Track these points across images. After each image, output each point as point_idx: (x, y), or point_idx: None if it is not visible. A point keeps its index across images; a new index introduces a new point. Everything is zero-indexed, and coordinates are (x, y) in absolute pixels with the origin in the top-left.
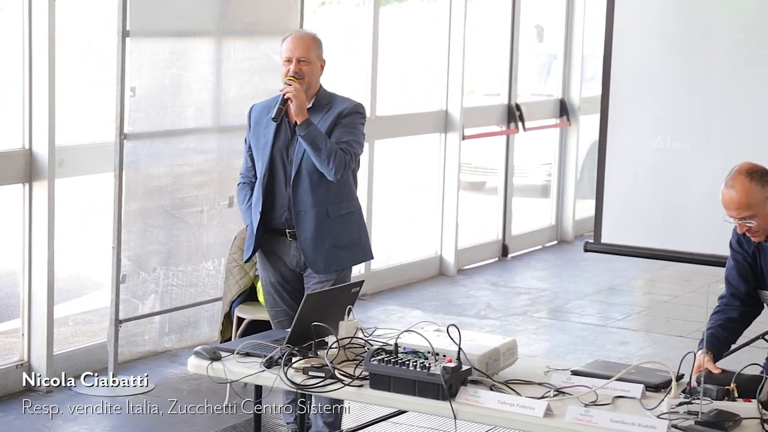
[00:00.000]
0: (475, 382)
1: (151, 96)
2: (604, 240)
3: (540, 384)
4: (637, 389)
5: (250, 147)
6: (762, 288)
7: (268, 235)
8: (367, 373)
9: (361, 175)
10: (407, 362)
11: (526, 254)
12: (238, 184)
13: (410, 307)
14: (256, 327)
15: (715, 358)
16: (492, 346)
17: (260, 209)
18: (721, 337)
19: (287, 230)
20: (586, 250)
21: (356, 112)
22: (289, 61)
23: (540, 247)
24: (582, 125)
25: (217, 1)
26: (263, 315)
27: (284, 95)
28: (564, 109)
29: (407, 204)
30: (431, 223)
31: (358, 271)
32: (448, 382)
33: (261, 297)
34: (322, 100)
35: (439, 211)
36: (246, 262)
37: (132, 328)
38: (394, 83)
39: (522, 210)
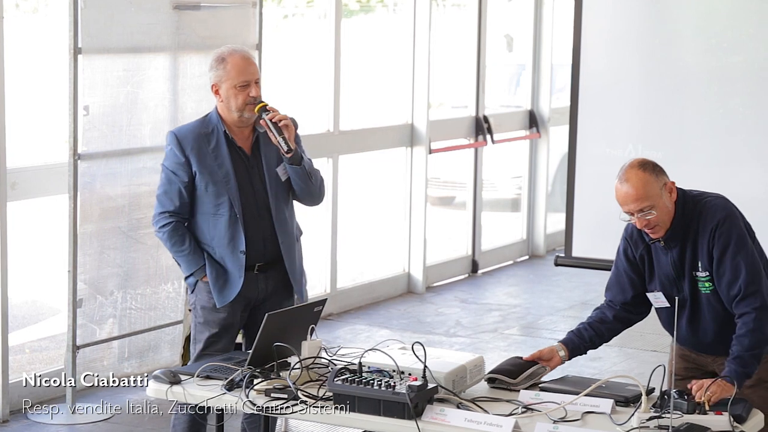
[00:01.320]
0: (441, 401)
1: (105, 114)
2: (575, 254)
3: (508, 401)
4: (606, 404)
5: (188, 181)
6: (649, 290)
7: (227, 273)
8: (330, 394)
9: (326, 191)
10: (372, 381)
11: (497, 270)
12: (166, 224)
13: (378, 326)
14: None
15: (571, 354)
16: (458, 364)
17: (243, 249)
18: (586, 336)
19: (257, 264)
20: (557, 264)
21: (296, 126)
22: (246, 85)
23: (511, 262)
24: (552, 136)
25: (172, 15)
26: None
27: (277, 123)
28: (534, 121)
29: (373, 221)
30: (398, 240)
31: (322, 290)
32: (413, 401)
33: None
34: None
35: (407, 227)
36: (219, 307)
37: (90, 354)
38: (357, 96)
39: (492, 225)
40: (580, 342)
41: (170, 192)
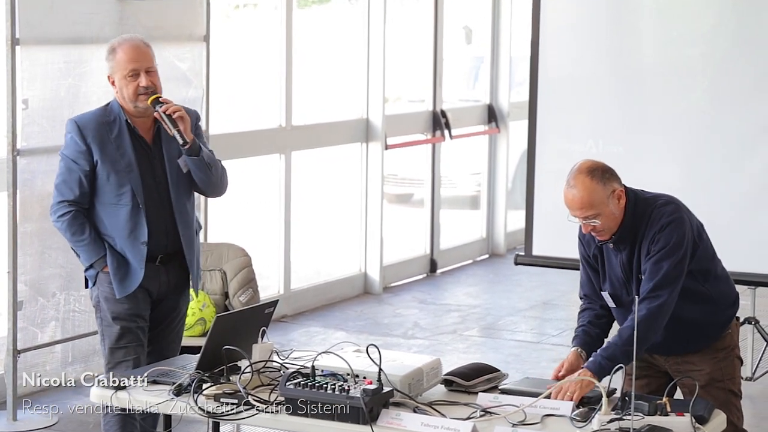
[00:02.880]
0: (397, 405)
1: (45, 108)
2: (535, 252)
3: (466, 404)
4: (567, 407)
5: (88, 170)
6: (602, 289)
7: (128, 263)
8: (283, 398)
9: (278, 189)
10: (325, 385)
11: (456, 269)
12: (65, 213)
13: (333, 328)
14: None
15: (588, 355)
16: (415, 366)
17: (144, 239)
18: (593, 333)
19: (159, 255)
20: (516, 263)
21: (199, 119)
22: (135, 74)
23: (470, 261)
24: (512, 132)
25: (115, 5)
26: None
27: (171, 115)
28: (493, 115)
29: (328, 219)
30: (354, 239)
31: (276, 290)
32: (368, 405)
33: None
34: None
35: (363, 225)
36: (119, 297)
37: (32, 358)
38: (311, 90)
39: (451, 223)
40: (592, 341)
41: (69, 181)
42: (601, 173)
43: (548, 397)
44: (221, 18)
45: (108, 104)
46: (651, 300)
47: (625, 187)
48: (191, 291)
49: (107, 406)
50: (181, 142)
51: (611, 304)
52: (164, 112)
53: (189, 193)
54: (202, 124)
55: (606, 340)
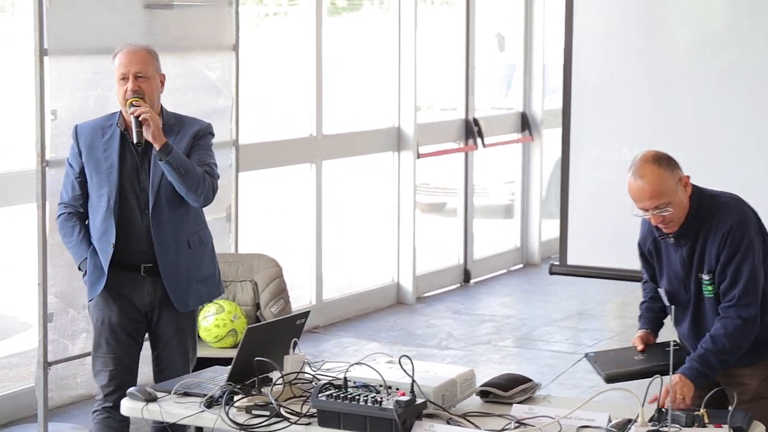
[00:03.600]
0: (430, 416)
1: (74, 119)
2: (570, 261)
3: (500, 416)
4: (602, 418)
5: (80, 173)
6: (658, 286)
7: (116, 271)
8: (315, 410)
9: (309, 198)
10: (357, 397)
11: (490, 279)
12: (60, 215)
13: (366, 338)
14: (199, 364)
15: (655, 333)
16: (448, 377)
17: (112, 242)
18: (655, 308)
19: (142, 265)
20: (551, 273)
21: (210, 132)
22: (124, 78)
23: (504, 271)
24: (546, 140)
25: (144, 15)
26: (206, 352)
27: (138, 117)
28: (526, 123)
29: (360, 229)
30: (387, 249)
31: (308, 301)
32: (401, 417)
33: (202, 333)
34: (169, 121)
35: (395, 235)
36: (91, 300)
37: (62, 371)
38: (342, 99)
39: (484, 232)
40: (656, 317)
41: (66, 183)
42: (667, 160)
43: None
44: (251, 27)
45: (116, 111)
46: (740, 309)
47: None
48: (221, 303)
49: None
50: (135, 140)
51: (667, 302)
52: (132, 114)
53: (174, 201)
54: (230, 134)
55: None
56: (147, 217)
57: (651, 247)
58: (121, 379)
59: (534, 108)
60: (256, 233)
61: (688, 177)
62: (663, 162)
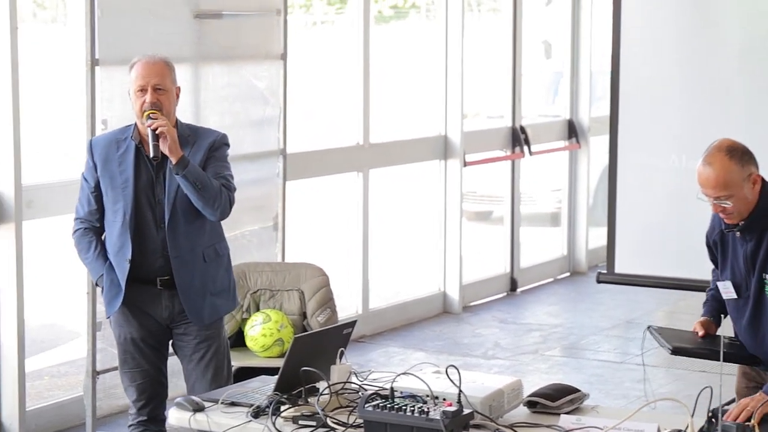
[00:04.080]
0: (477, 427)
1: None
2: (618, 270)
3: (548, 427)
4: (651, 428)
5: (95, 187)
6: (719, 279)
7: (133, 286)
8: (361, 421)
9: (356, 207)
10: (404, 407)
11: (537, 288)
12: (76, 231)
13: (412, 348)
14: (245, 374)
15: (718, 321)
16: (495, 388)
17: (129, 257)
18: (721, 297)
19: (158, 278)
20: (599, 281)
21: (225, 143)
22: (143, 90)
23: (551, 279)
24: (593, 147)
25: (193, 25)
26: (252, 361)
27: (155, 129)
28: (573, 131)
29: (407, 238)
30: (433, 258)
31: (354, 310)
32: (448, 428)
33: (249, 342)
34: (183, 133)
35: (442, 243)
36: (109, 317)
37: (111, 380)
38: (388, 107)
39: (531, 240)
40: (721, 306)
41: (81, 198)
42: (740, 154)
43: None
44: (297, 36)
45: (131, 124)
46: None
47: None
48: (268, 312)
49: (130, 426)
50: (151, 154)
51: (727, 295)
52: (149, 126)
53: (191, 214)
54: (278, 142)
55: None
56: (163, 231)
57: (717, 238)
58: (150, 391)
59: (581, 115)
60: (303, 242)
61: (759, 175)
62: (736, 154)
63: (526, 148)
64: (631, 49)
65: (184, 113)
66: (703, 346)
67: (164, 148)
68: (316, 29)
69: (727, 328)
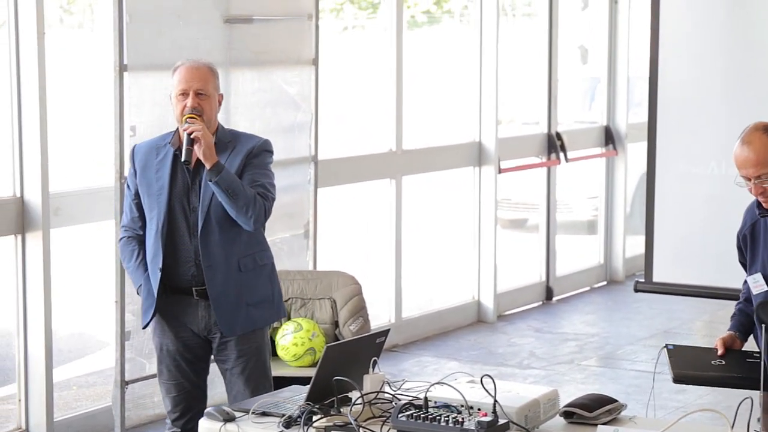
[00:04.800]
0: None
1: (153, 135)
2: (656, 279)
3: None
4: None
5: (136, 194)
6: (748, 274)
7: (169, 296)
8: (395, 431)
9: (389, 215)
10: (438, 417)
11: (573, 297)
12: (121, 239)
13: (446, 357)
14: (277, 383)
15: (746, 335)
16: (531, 398)
17: (160, 265)
18: (750, 311)
19: (194, 288)
20: (636, 290)
21: (266, 150)
22: (184, 94)
23: (588, 288)
24: (630, 154)
25: (223, 30)
26: (284, 371)
27: (190, 134)
28: (610, 137)
29: (440, 245)
30: (467, 266)
31: (387, 319)
32: None
33: (280, 351)
34: (224, 139)
35: (476, 251)
36: (144, 327)
37: (140, 390)
38: (422, 113)
39: (567, 248)
40: (748, 321)
41: (126, 206)
42: None
43: None
44: (329, 40)
45: (173, 130)
46: None
47: None
48: (299, 321)
49: None
50: (183, 158)
51: (757, 289)
52: (185, 131)
53: (226, 222)
54: (309, 149)
55: None
56: (196, 239)
57: (747, 232)
58: (185, 404)
59: (618, 121)
60: (335, 250)
61: None
62: None
63: (562, 154)
64: (669, 53)
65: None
66: (715, 372)
67: (199, 153)
68: (347, 34)
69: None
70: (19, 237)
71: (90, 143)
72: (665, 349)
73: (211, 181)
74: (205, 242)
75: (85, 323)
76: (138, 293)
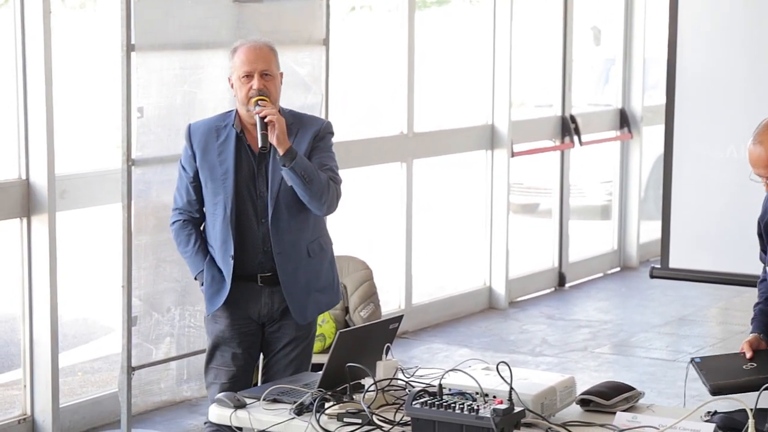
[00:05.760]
0: (529, 425)
1: (161, 117)
2: (672, 265)
3: (602, 425)
4: (708, 429)
5: (195, 177)
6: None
7: (232, 282)
8: (408, 418)
9: (399, 199)
10: (453, 405)
11: (586, 283)
12: (175, 222)
13: (457, 344)
14: None
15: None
16: (547, 385)
17: (232, 253)
18: None
19: (259, 275)
20: (652, 277)
21: (330, 132)
22: (248, 76)
23: (601, 274)
24: (645, 137)
25: (232, 9)
26: None
27: (263, 118)
28: (625, 120)
29: (451, 230)
30: (479, 251)
31: (397, 305)
32: (499, 426)
33: None
34: (288, 121)
35: (487, 237)
36: (208, 315)
37: (146, 376)
38: (433, 96)
39: (580, 234)
40: None
41: (180, 188)
42: None
43: None
44: (336, 21)
45: (232, 110)
46: None
47: None
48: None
49: (206, 423)
50: (259, 144)
51: None
52: (257, 114)
53: (295, 207)
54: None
55: None
56: (264, 226)
57: None
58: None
59: (633, 104)
60: (345, 234)
61: None
62: None
63: (576, 138)
64: (688, 34)
65: (223, 101)
66: (750, 375)
67: (272, 138)
68: (354, 14)
69: None
70: (25, 220)
71: (97, 125)
72: (692, 364)
73: (285, 166)
74: (276, 229)
75: (91, 308)
76: (196, 279)
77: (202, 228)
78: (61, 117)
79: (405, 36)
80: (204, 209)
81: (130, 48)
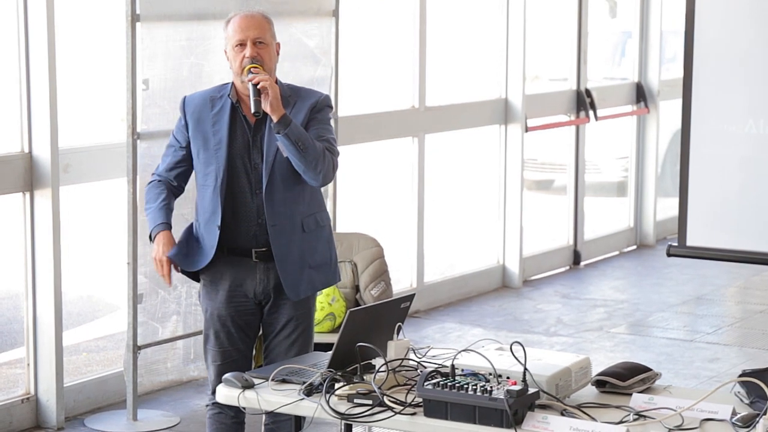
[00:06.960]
0: (543, 407)
1: (167, 89)
2: (689, 243)
3: (618, 407)
4: (726, 410)
5: (186, 147)
6: None
7: (226, 257)
8: (420, 399)
9: (410, 174)
10: (466, 386)
11: (601, 261)
12: (149, 183)
13: (470, 324)
14: None
15: None
16: (562, 366)
17: (218, 223)
18: None
19: (254, 249)
20: (669, 255)
21: (328, 105)
22: (241, 45)
23: (617, 252)
24: (662, 112)
25: None
26: None
27: (256, 85)
28: (641, 94)
29: (464, 207)
30: (492, 229)
31: (408, 284)
32: (512, 408)
33: None
34: (284, 93)
35: (501, 214)
36: (179, 270)
37: (152, 355)
38: (445, 69)
39: (595, 211)
40: None
41: (166, 155)
42: None
43: None
44: None
45: (229, 82)
46: None
47: None
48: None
49: (207, 405)
50: (252, 110)
51: None
52: (250, 81)
53: (291, 179)
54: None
55: None
56: (259, 198)
57: None
58: None
59: (650, 78)
60: (355, 211)
61: None
62: None
63: (591, 112)
64: (707, 5)
65: (230, 72)
66: None
67: (266, 105)
68: None
69: None
70: (28, 195)
71: (101, 97)
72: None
73: (279, 133)
74: (270, 201)
75: (96, 285)
76: (150, 238)
77: (174, 196)
78: (64, 89)
79: (417, 6)
80: (185, 185)
81: (135, 18)
